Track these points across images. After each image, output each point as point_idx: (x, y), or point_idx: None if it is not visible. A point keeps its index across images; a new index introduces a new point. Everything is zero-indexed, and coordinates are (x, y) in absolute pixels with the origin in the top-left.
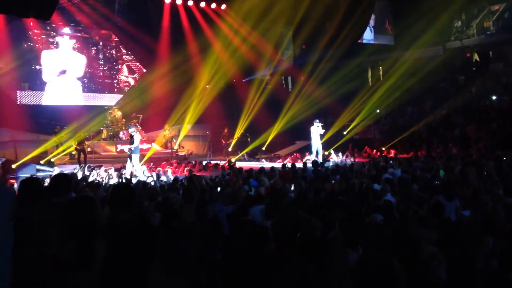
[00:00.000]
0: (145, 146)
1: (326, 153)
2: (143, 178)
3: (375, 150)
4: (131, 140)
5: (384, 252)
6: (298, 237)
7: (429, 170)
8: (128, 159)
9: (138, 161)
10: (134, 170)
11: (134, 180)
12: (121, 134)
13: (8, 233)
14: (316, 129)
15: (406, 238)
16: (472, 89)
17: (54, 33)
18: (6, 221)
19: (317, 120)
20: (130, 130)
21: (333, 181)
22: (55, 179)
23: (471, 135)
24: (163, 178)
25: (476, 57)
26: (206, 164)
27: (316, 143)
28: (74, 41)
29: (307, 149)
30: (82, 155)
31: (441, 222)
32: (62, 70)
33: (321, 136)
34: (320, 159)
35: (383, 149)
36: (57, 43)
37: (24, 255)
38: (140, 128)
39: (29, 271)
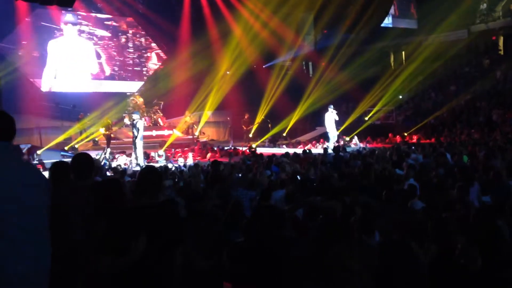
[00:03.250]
0: (166, 132)
1: (348, 138)
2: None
3: (398, 136)
4: (134, 127)
5: (402, 239)
6: (319, 220)
7: (452, 156)
8: (133, 147)
9: (141, 149)
10: (136, 159)
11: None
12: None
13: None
14: (331, 115)
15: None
16: (497, 73)
17: (75, 21)
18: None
19: (332, 106)
20: (134, 116)
21: (354, 167)
22: (77, 160)
23: (496, 120)
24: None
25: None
26: (227, 150)
27: (332, 129)
28: (77, 27)
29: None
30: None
31: (465, 206)
32: (78, 58)
33: (337, 122)
34: (331, 146)
35: (406, 134)
36: (69, 31)
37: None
38: (161, 114)
39: (56, 255)
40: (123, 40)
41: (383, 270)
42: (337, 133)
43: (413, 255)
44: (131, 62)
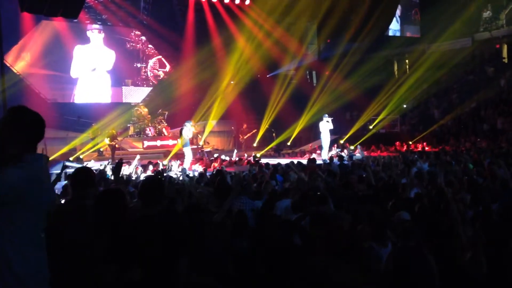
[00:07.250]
0: (170, 142)
1: (352, 147)
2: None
3: (404, 144)
4: (181, 134)
5: (416, 244)
6: (326, 230)
7: (458, 164)
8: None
9: (190, 155)
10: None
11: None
12: (147, 131)
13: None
14: (326, 125)
15: (442, 230)
16: (501, 81)
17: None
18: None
19: (326, 115)
20: (187, 124)
21: (361, 175)
22: (78, 174)
23: (501, 128)
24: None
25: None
26: (230, 159)
27: (326, 138)
28: (103, 35)
29: (333, 144)
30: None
31: (478, 213)
32: (93, 67)
33: (331, 131)
34: (327, 155)
35: (411, 143)
36: (88, 39)
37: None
38: (166, 124)
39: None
40: None
41: (396, 276)
42: (329, 142)
43: (427, 261)
44: None
